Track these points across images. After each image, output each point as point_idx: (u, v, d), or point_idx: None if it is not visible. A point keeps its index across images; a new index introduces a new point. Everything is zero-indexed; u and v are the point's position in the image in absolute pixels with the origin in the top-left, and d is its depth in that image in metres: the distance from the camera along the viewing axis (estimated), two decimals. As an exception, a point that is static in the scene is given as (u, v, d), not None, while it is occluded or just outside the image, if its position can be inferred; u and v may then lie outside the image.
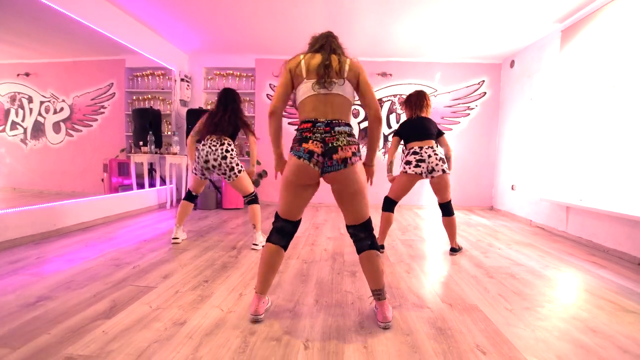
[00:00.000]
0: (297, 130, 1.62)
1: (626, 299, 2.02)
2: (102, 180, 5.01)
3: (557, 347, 1.47)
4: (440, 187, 2.69)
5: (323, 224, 4.00)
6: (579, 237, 3.45)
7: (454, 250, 2.83)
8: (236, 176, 2.82)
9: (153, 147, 4.72)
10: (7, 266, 2.28)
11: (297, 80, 1.62)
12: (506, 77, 5.17)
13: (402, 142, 2.79)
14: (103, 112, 5.47)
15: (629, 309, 1.88)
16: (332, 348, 1.42)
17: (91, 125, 5.54)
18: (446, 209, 2.77)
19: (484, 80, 5.34)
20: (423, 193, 5.45)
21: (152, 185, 4.94)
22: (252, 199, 2.93)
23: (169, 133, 5.27)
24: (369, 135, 1.69)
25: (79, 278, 2.11)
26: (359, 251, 1.62)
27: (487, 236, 3.58)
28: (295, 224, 1.67)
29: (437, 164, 2.61)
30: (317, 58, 1.60)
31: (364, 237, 1.60)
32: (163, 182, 5.05)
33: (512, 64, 4.94)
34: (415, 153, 2.64)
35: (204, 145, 2.79)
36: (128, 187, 4.79)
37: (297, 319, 1.67)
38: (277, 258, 1.64)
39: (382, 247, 2.88)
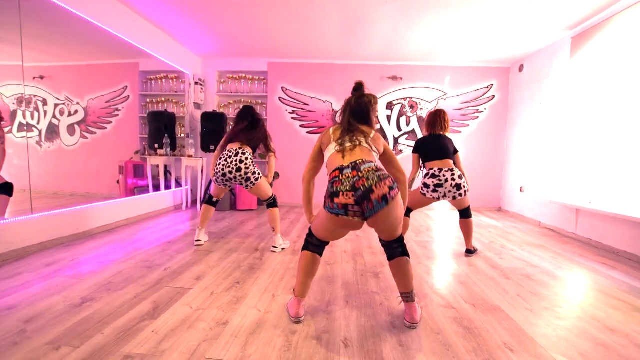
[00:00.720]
0: (328, 182, 1.66)
1: (639, 299, 2.12)
2: (118, 182, 5.10)
3: (578, 345, 1.57)
4: (460, 205, 2.82)
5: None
6: (588, 239, 3.55)
7: (470, 252, 2.93)
8: (253, 184, 2.85)
9: (169, 149, 4.82)
10: (45, 268, 2.39)
11: (325, 145, 1.80)
12: (515, 81, 5.26)
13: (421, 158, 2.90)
14: (117, 115, 5.52)
15: (643, 309, 1.99)
16: (370, 346, 1.52)
17: (105, 128, 5.60)
18: (464, 213, 2.88)
19: (492, 84, 5.44)
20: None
21: (167, 187, 5.02)
22: (271, 203, 3.00)
23: (183, 135, 5.35)
24: (402, 194, 1.72)
25: (115, 280, 2.21)
26: (390, 258, 1.70)
27: (499, 237, 3.68)
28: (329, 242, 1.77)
29: (457, 187, 2.68)
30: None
31: (396, 247, 1.68)
32: (178, 184, 5.14)
33: (521, 68, 5.04)
34: (434, 176, 2.73)
35: (222, 157, 2.85)
36: (143, 189, 4.88)
37: (332, 319, 1.77)
38: (315, 264, 1.74)
39: None
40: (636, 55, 3.06)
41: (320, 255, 1.75)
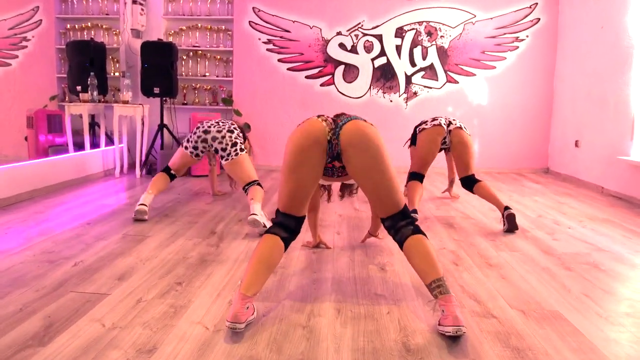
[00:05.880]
0: None
1: None
2: (26, 138, 4.91)
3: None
4: (461, 151, 3.01)
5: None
6: (670, 210, 3.57)
7: (507, 209, 2.86)
8: (237, 154, 3.03)
9: (96, 93, 4.64)
10: None
11: None
12: (566, -1, 5.23)
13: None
14: (26, 47, 5.32)
15: None
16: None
17: (10, 64, 5.46)
18: (471, 180, 3.02)
19: (537, 3, 5.47)
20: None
21: (95, 145, 4.93)
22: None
23: (117, 74, 5.27)
24: None
25: (-3, 282, 1.95)
26: (403, 240, 1.70)
27: (550, 209, 3.68)
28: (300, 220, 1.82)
29: (453, 119, 3.17)
30: None
31: (405, 225, 1.74)
32: (110, 141, 5.03)
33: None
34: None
35: (204, 123, 3.20)
36: (62, 148, 4.70)
37: (315, 340, 1.50)
38: (275, 252, 1.70)
39: (415, 211, 2.86)
40: None
41: (285, 242, 1.78)
